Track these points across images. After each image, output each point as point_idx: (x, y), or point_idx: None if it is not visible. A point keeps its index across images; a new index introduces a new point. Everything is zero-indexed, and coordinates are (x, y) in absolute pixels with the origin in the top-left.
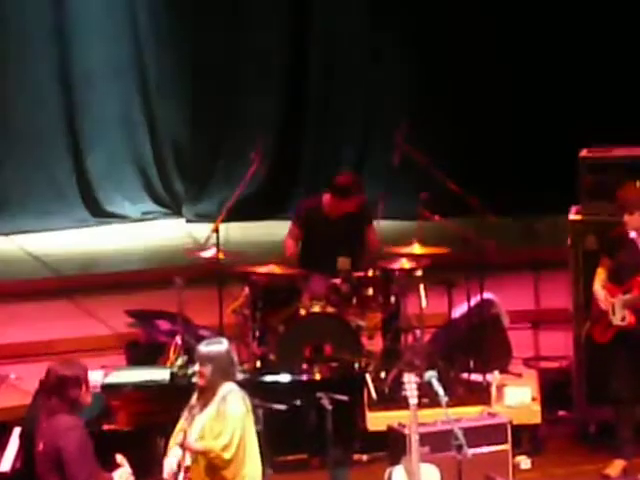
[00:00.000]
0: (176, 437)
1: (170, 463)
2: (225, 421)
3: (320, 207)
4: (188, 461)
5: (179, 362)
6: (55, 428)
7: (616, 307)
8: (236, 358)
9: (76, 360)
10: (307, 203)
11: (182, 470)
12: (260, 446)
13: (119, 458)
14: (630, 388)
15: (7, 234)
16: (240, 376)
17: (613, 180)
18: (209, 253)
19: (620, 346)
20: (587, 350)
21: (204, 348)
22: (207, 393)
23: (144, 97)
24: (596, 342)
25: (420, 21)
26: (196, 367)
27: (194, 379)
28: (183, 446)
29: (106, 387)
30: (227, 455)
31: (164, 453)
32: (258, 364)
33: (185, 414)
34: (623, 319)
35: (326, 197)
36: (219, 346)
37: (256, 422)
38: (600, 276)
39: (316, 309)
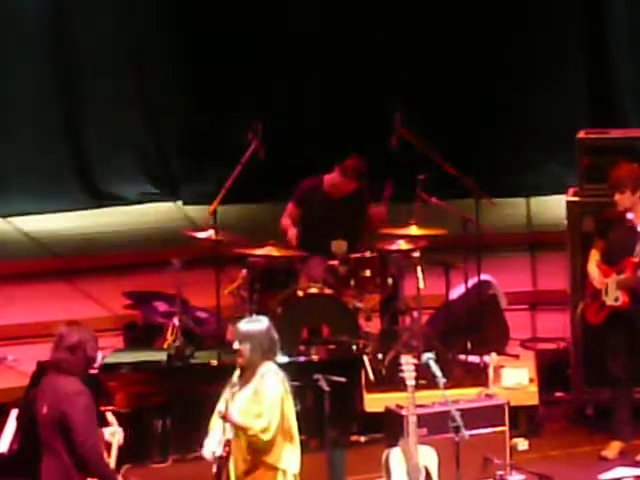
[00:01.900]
0: (216, 415)
1: (210, 444)
2: (263, 402)
3: (320, 188)
4: (229, 434)
5: (176, 343)
6: (61, 392)
7: (609, 288)
8: (276, 338)
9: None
10: (307, 183)
11: (222, 443)
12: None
13: (109, 416)
14: (626, 369)
15: (5, 216)
16: (279, 355)
17: (610, 162)
18: (205, 234)
19: (614, 327)
20: (590, 329)
21: (243, 326)
22: (247, 372)
23: (141, 78)
24: (589, 323)
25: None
26: (235, 345)
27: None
28: (225, 417)
29: (104, 368)
30: (266, 437)
31: (162, 434)
32: None
33: (226, 392)
34: (616, 300)
35: (330, 177)
36: (258, 324)
37: (295, 403)
38: (594, 257)
39: (313, 291)
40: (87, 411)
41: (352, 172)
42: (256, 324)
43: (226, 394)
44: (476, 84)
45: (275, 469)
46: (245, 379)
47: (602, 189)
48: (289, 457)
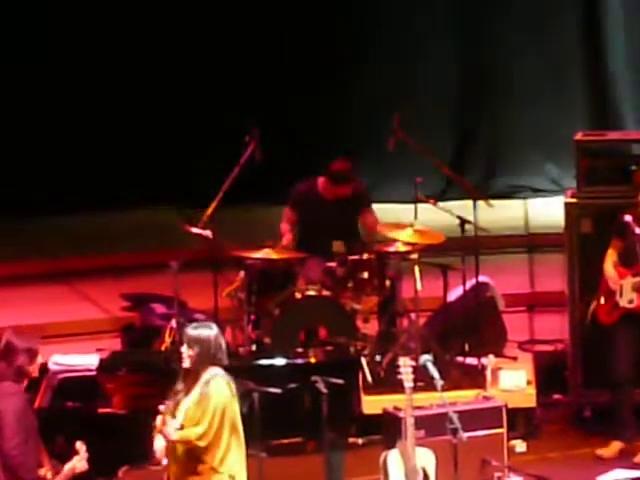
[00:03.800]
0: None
1: (159, 444)
2: (206, 407)
3: (315, 190)
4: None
5: (174, 345)
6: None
7: (624, 289)
8: (224, 344)
9: (30, 334)
10: (302, 186)
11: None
12: (245, 430)
13: (78, 445)
14: (630, 371)
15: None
16: (227, 361)
17: (608, 164)
18: (207, 232)
19: (625, 328)
20: (590, 330)
21: (192, 331)
22: (191, 376)
23: (138, 80)
24: (601, 323)
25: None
26: (183, 349)
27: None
28: (161, 433)
29: (101, 370)
30: (202, 443)
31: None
32: (253, 348)
33: (170, 398)
34: (631, 302)
35: (321, 181)
36: (208, 330)
37: (242, 407)
38: (611, 257)
39: (311, 293)
40: (18, 412)
41: (339, 178)
42: (205, 329)
43: (169, 402)
44: (473, 85)
45: (219, 472)
46: (189, 384)
47: (600, 191)
48: (236, 462)
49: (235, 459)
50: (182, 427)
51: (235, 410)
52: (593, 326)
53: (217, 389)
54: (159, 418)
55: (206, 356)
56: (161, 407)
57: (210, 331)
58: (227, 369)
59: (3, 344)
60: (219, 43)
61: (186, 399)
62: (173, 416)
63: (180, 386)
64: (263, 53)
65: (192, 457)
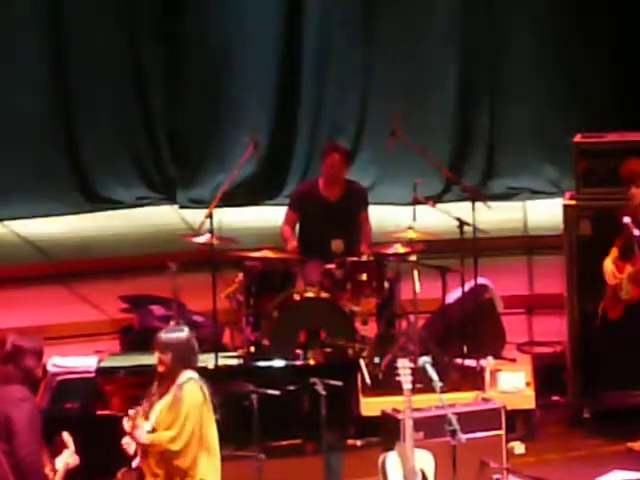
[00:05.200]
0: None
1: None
2: (179, 411)
3: (315, 190)
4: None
5: None
6: (8, 397)
7: (624, 282)
8: (196, 346)
9: (33, 334)
10: (302, 187)
11: (138, 454)
12: (244, 431)
13: (65, 436)
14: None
15: (2, 220)
16: (198, 363)
17: (607, 165)
18: (203, 238)
19: (629, 320)
20: (602, 329)
21: (164, 335)
22: (167, 380)
23: (138, 82)
24: (609, 319)
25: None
26: (156, 355)
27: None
28: (131, 436)
29: (100, 372)
30: (174, 447)
31: None
32: (252, 349)
33: (144, 401)
34: (628, 293)
35: (322, 181)
36: (179, 334)
37: (215, 411)
38: (613, 254)
39: (310, 295)
40: (31, 417)
41: (332, 146)
42: (176, 333)
43: (140, 407)
44: (472, 86)
45: (191, 477)
46: (165, 388)
47: (599, 193)
48: (206, 467)
49: (204, 465)
50: (154, 430)
51: (204, 416)
52: (603, 324)
53: (190, 393)
54: (128, 422)
55: (180, 360)
56: (130, 411)
57: (181, 334)
58: (199, 371)
59: (9, 346)
60: None
61: (159, 402)
62: (146, 419)
63: (154, 389)
64: (262, 55)
65: (165, 462)
